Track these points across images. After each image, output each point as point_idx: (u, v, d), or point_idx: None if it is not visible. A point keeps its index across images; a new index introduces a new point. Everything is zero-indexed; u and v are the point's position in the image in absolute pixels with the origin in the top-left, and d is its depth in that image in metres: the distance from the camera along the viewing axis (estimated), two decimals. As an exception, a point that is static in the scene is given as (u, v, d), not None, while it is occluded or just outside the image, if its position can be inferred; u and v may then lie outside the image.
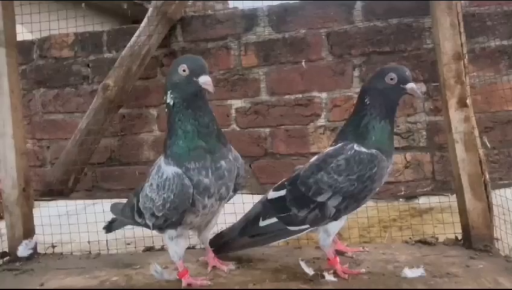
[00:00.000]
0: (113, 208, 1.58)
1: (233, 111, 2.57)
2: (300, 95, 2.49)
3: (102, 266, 1.55)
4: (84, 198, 2.50)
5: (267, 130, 2.55)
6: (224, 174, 1.23)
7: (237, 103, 2.55)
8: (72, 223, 1.83)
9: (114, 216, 1.59)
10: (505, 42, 2.28)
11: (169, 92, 1.22)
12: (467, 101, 1.46)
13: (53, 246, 1.79)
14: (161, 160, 1.26)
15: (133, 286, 1.35)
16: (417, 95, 1.30)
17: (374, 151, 1.26)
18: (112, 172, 2.72)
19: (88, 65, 2.81)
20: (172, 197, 1.19)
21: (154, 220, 1.28)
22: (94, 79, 2.81)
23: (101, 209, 1.76)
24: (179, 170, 1.20)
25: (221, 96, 2.56)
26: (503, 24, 2.27)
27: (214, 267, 1.42)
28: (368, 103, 1.29)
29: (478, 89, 2.25)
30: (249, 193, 1.94)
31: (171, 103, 1.22)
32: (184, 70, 1.19)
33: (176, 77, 1.20)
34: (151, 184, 1.26)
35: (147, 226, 1.36)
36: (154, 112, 2.71)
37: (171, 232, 1.31)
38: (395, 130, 2.32)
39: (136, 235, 1.73)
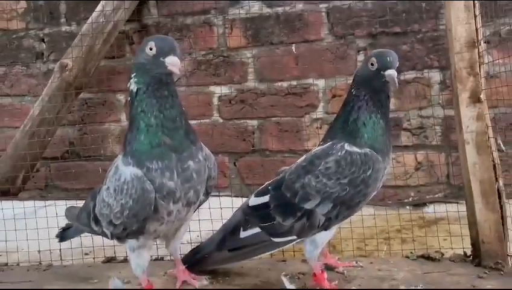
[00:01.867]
0: (68, 213, 1.64)
1: (215, 99, 2.63)
2: (295, 82, 2.56)
3: (53, 279, 1.62)
4: (36, 199, 2.55)
5: (255, 122, 2.62)
6: (192, 177, 1.29)
7: (221, 90, 2.61)
8: (20, 228, 1.89)
9: (68, 222, 1.65)
10: (536, 23, 2.35)
11: (133, 76, 1.26)
12: (481, 96, 1.53)
13: (-4, 256, 1.86)
14: (119, 159, 1.32)
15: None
16: (393, 84, 1.33)
17: (367, 150, 1.33)
18: (70, 168, 2.77)
19: (42, 40, 2.86)
20: (131, 203, 1.25)
21: (112, 229, 1.34)
22: (50, 57, 2.86)
23: (54, 212, 1.82)
24: (139, 172, 1.25)
25: (202, 81, 2.62)
26: (534, 2, 2.34)
27: (184, 282, 1.49)
28: (353, 93, 1.37)
29: (503, 79, 2.32)
30: (229, 196, 2.01)
31: (134, 90, 1.26)
32: (151, 49, 1.22)
33: (142, 57, 1.24)
34: (108, 187, 1.32)
35: (105, 235, 1.42)
36: (121, 98, 2.76)
37: (132, 242, 1.37)
38: (404, 124, 2.44)
39: (95, 243, 1.79)
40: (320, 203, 1.35)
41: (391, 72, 1.32)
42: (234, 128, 2.63)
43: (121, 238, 1.36)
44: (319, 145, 1.44)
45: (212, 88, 2.63)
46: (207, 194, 1.41)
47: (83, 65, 2.59)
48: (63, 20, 2.83)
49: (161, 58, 1.21)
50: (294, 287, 1.38)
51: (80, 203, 1.63)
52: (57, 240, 1.67)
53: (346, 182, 1.32)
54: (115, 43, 2.66)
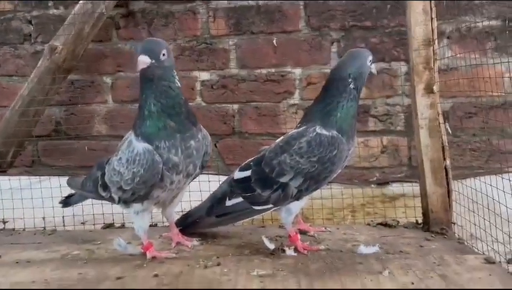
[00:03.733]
0: (71, 182, 1.93)
1: (198, 84, 2.93)
2: (273, 70, 2.87)
3: (60, 241, 1.91)
4: (24, 174, 2.81)
5: (236, 106, 2.92)
6: (193, 153, 1.63)
7: (204, 75, 2.91)
8: (19, 198, 2.17)
9: (72, 191, 1.94)
10: (492, 22, 2.70)
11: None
12: (434, 87, 1.88)
13: (4, 222, 2.14)
14: (131, 135, 1.63)
15: (96, 260, 1.71)
16: (375, 73, 1.78)
17: (335, 133, 1.66)
18: (57, 147, 3.02)
19: (30, 22, 3.08)
20: (142, 171, 1.57)
21: (121, 194, 1.65)
22: (37, 38, 3.08)
23: (49, 185, 2.09)
24: (150, 146, 1.57)
25: (186, 66, 2.91)
26: (491, 3, 2.70)
27: (178, 243, 1.81)
28: (352, 87, 1.68)
29: (463, 72, 2.67)
30: (215, 174, 2.33)
31: (140, 83, 1.60)
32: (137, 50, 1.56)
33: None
34: (120, 158, 1.63)
35: (111, 200, 1.73)
36: (108, 80, 3.02)
37: (137, 206, 1.68)
38: (372, 111, 2.79)
39: (95, 211, 2.09)
40: (293, 178, 1.67)
41: (374, 65, 1.76)
42: (216, 112, 2.94)
43: (127, 202, 1.67)
44: (296, 127, 1.77)
45: (195, 73, 2.92)
46: (202, 167, 1.73)
47: (72, 48, 2.82)
48: (51, 3, 3.05)
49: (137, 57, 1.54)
50: (273, 246, 1.70)
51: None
52: (60, 206, 1.96)
53: (315, 160, 1.65)
54: (102, 27, 2.90)
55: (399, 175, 2.76)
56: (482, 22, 2.68)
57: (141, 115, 1.60)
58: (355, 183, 2.65)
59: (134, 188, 1.60)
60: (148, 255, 1.68)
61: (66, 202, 1.95)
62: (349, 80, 1.69)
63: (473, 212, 1.85)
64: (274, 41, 2.83)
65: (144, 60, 1.51)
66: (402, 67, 2.77)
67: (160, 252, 1.72)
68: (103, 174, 1.71)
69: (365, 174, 2.81)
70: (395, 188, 2.53)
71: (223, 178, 1.89)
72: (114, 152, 1.70)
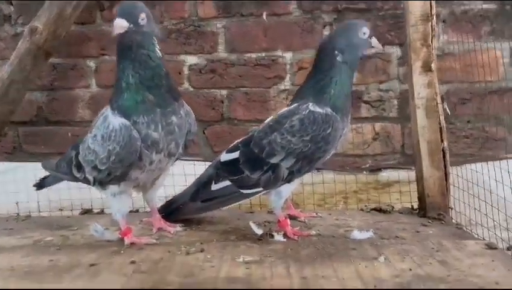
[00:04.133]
0: (46, 164, 1.80)
1: (186, 68, 2.78)
2: (263, 54, 2.73)
3: (34, 227, 1.78)
4: (5, 160, 2.66)
5: (224, 92, 2.78)
6: (174, 130, 1.49)
7: (191, 59, 2.76)
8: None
9: (47, 173, 1.80)
10: (487, 5, 2.59)
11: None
12: (432, 65, 1.76)
13: (-25, 208, 1.99)
14: (108, 110, 1.48)
15: (70, 246, 1.57)
16: (380, 48, 1.66)
17: (329, 110, 1.53)
18: (39, 133, 2.87)
19: (11, 3, 2.91)
20: (118, 149, 1.43)
21: (96, 174, 1.51)
22: (18, 20, 2.91)
23: (25, 171, 1.95)
24: (127, 122, 1.43)
25: (173, 50, 2.75)
26: (486, -15, 2.58)
27: (159, 229, 1.67)
28: (340, 60, 1.56)
29: (457, 56, 2.56)
30: (202, 160, 2.20)
31: (117, 50, 1.46)
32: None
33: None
34: (95, 135, 1.49)
35: (87, 182, 1.59)
36: (91, 63, 2.86)
37: (113, 188, 1.54)
38: (365, 97, 2.66)
39: (72, 197, 1.95)
40: (284, 158, 1.55)
41: (375, 39, 1.61)
42: (204, 97, 2.79)
43: (103, 183, 1.53)
44: (287, 106, 1.64)
45: (182, 57, 2.77)
46: (186, 148, 1.59)
47: (53, 29, 2.68)
48: (32, -17, 2.89)
49: (114, 21, 1.42)
50: (261, 231, 1.57)
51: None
52: (34, 189, 1.82)
53: (308, 139, 1.52)
54: (86, 9, 2.75)
55: (392, 162, 2.63)
56: (477, 5, 2.57)
57: (118, 87, 1.46)
58: (347, 170, 2.53)
59: (110, 168, 1.47)
60: (126, 241, 1.56)
61: (40, 184, 1.81)
62: (336, 52, 1.57)
63: (473, 196, 1.73)
64: (264, 16, 2.68)
65: (120, 24, 1.37)
66: (396, 52, 2.64)
67: (140, 238, 1.59)
68: (77, 154, 1.57)
69: (357, 162, 2.68)
70: (388, 174, 2.41)
71: (199, 164, 1.76)
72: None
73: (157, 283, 1.26)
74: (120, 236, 1.58)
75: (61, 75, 2.88)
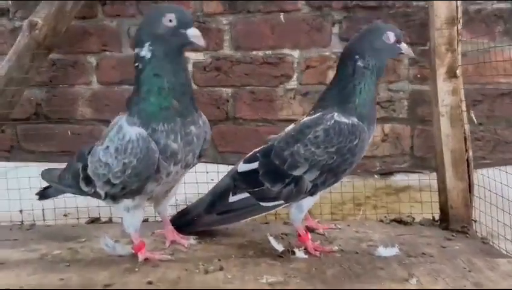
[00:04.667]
0: (46, 175, 1.66)
1: (190, 65, 2.65)
2: (270, 52, 2.62)
3: (39, 238, 1.65)
4: (3, 160, 2.54)
5: (230, 90, 2.67)
6: (193, 140, 1.38)
7: (196, 57, 2.64)
8: (-3, 188, 1.91)
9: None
10: (502, 5, 2.49)
11: (147, 44, 1.33)
12: (457, 71, 1.66)
13: (-25, 215, 1.86)
14: (123, 119, 1.37)
15: (80, 262, 1.46)
16: (412, 55, 1.54)
17: (355, 121, 1.43)
18: (37, 130, 2.75)
19: (9, -4, 2.78)
20: (135, 162, 1.31)
21: (109, 189, 1.39)
22: (16, 14, 2.78)
23: (27, 173, 1.83)
24: (144, 132, 1.31)
25: (177, 46, 2.63)
26: (501, -16, 2.49)
27: (173, 241, 1.56)
28: (362, 65, 1.45)
29: (469, 57, 2.47)
30: (204, 162, 2.08)
31: (148, 56, 1.33)
32: (171, 21, 1.31)
33: (160, 28, 1.32)
34: (107, 147, 1.37)
35: (96, 196, 1.47)
36: (92, 60, 2.74)
37: (127, 202, 1.43)
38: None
39: (78, 204, 1.83)
40: (308, 171, 1.44)
41: (406, 45, 1.50)
42: (208, 96, 2.68)
43: (116, 198, 1.41)
44: (308, 114, 1.53)
45: (186, 54, 2.64)
46: (199, 157, 1.48)
47: (53, 24, 2.55)
48: (31, -25, 2.75)
49: (182, 30, 1.31)
50: (282, 247, 1.47)
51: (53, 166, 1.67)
52: (37, 198, 1.70)
53: (333, 150, 1.42)
54: (87, 3, 2.62)
55: (402, 165, 2.54)
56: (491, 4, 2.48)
57: (144, 91, 1.34)
58: (356, 174, 2.43)
59: (125, 182, 1.35)
60: (140, 257, 1.44)
61: (44, 194, 1.68)
62: (356, 57, 1.46)
63: (490, 204, 1.64)
64: (281, 16, 2.56)
65: (200, 35, 1.33)
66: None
67: (153, 253, 1.48)
68: (85, 166, 1.45)
69: (366, 164, 2.59)
70: (399, 180, 2.31)
71: (211, 166, 1.65)
72: (99, 138, 1.45)
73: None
74: (133, 251, 1.47)
75: (61, 71, 2.76)
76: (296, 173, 1.44)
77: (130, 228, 1.46)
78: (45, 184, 1.71)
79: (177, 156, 1.35)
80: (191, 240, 1.58)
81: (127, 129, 1.34)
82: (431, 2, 1.68)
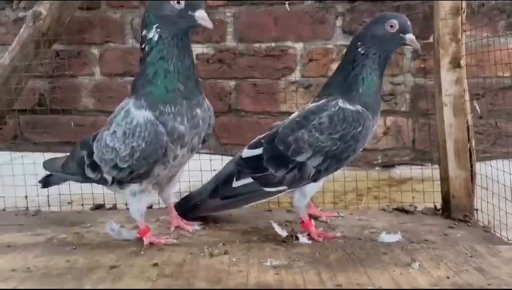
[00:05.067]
0: (49, 165, 1.67)
1: (193, 57, 2.66)
2: (273, 44, 2.63)
3: (45, 223, 1.67)
4: (5, 150, 2.54)
5: (232, 82, 2.68)
6: (199, 123, 1.39)
7: (199, 48, 2.65)
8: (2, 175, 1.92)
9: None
10: (505, -1, 2.51)
11: (154, 26, 1.33)
12: (461, 61, 1.67)
13: (-19, 201, 1.88)
14: (129, 103, 1.38)
15: (86, 245, 1.48)
16: (416, 46, 1.49)
17: (359, 108, 1.44)
18: (41, 121, 2.76)
19: (12, -14, 2.79)
20: (143, 145, 1.32)
21: (116, 173, 1.40)
22: (20, 4, 2.80)
23: (32, 161, 1.84)
24: (151, 116, 1.33)
25: (180, 38, 2.64)
26: (504, -22, 2.50)
27: (177, 227, 1.58)
28: (362, 52, 1.46)
29: (471, 50, 2.48)
30: (207, 153, 2.10)
31: (155, 38, 1.33)
32: (179, 3, 1.30)
33: (167, 9, 1.31)
34: (114, 132, 1.38)
35: (102, 182, 1.48)
36: (96, 51, 2.75)
37: (134, 187, 1.44)
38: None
39: (83, 191, 1.84)
40: (311, 156, 1.46)
41: (412, 36, 1.46)
42: (211, 88, 2.69)
43: (123, 183, 1.43)
44: (313, 101, 1.54)
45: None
46: (203, 142, 1.50)
47: (57, 15, 2.55)
48: (34, -33, 2.75)
49: (190, 12, 1.30)
50: (285, 233, 1.49)
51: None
52: (40, 186, 1.71)
53: (337, 137, 1.43)
54: (91, -7, 2.64)
55: (403, 158, 2.55)
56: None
57: (149, 73, 1.35)
58: (358, 166, 2.45)
59: (132, 166, 1.36)
60: (145, 241, 1.46)
61: (47, 181, 1.70)
62: (358, 43, 1.47)
63: (498, 195, 1.66)
64: (287, 5, 2.56)
65: (207, 17, 1.32)
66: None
67: (159, 237, 1.50)
68: (90, 153, 1.46)
69: (368, 156, 2.60)
70: (401, 172, 2.33)
71: (215, 157, 1.66)
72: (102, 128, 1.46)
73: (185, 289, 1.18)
74: (138, 235, 1.48)
75: (64, 62, 2.75)
76: (300, 158, 1.45)
77: (136, 213, 1.47)
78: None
79: (184, 138, 1.37)
80: (196, 226, 1.59)
81: (135, 113, 1.35)
82: (436, -8, 1.69)
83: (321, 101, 1.49)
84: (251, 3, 2.61)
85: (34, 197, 1.84)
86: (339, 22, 2.58)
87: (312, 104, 1.52)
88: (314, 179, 1.48)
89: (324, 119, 1.44)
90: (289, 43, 2.63)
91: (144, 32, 1.36)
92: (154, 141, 1.32)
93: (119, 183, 1.44)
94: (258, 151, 1.53)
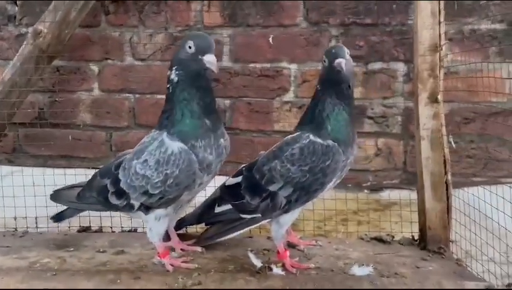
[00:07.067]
0: (59, 197, 1.72)
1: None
2: (268, 65, 2.68)
3: (31, 245, 1.73)
4: (4, 163, 2.62)
5: (227, 101, 2.73)
6: (222, 152, 1.54)
7: (195, 67, 2.70)
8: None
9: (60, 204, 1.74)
10: (496, 26, 2.53)
11: (174, 68, 1.48)
12: (438, 96, 1.71)
13: (-29, 222, 1.95)
14: (163, 135, 1.50)
15: (66, 271, 1.54)
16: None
17: (330, 142, 1.49)
18: (39, 134, 2.83)
19: (15, 2, 2.86)
20: (177, 172, 1.44)
21: (146, 199, 1.50)
22: (22, 21, 2.86)
23: (31, 178, 1.91)
24: (185, 146, 1.45)
25: (177, 57, 2.70)
26: (496, 5, 2.52)
27: (182, 250, 1.70)
28: (318, 88, 1.54)
29: (461, 75, 2.51)
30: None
31: (175, 80, 1.47)
32: (190, 47, 1.44)
33: (183, 54, 1.46)
34: (146, 160, 1.49)
35: (127, 208, 1.56)
36: (95, 67, 2.82)
37: (160, 211, 1.55)
38: (368, 112, 2.61)
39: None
40: (282, 187, 1.52)
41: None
42: (206, 106, 2.74)
43: (151, 208, 1.53)
44: (292, 132, 1.60)
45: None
46: None
47: (57, 32, 2.62)
48: (37, -16, 2.83)
49: (199, 56, 1.43)
50: (260, 264, 1.54)
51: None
52: (52, 221, 1.76)
53: (306, 169, 1.49)
54: (91, 12, 2.69)
55: (393, 181, 2.59)
56: (487, 24, 2.51)
57: (177, 114, 1.48)
58: (348, 188, 2.49)
59: (164, 192, 1.47)
60: (166, 263, 1.58)
61: (60, 217, 1.74)
62: (318, 81, 1.57)
63: (469, 222, 1.70)
64: (270, 39, 2.63)
65: (215, 61, 1.46)
66: (401, 68, 2.59)
67: (177, 259, 1.62)
68: (115, 181, 1.55)
69: (358, 177, 2.64)
70: (389, 195, 2.36)
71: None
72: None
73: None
74: (158, 258, 1.59)
75: (64, 77, 2.83)
76: (272, 188, 1.52)
77: (155, 237, 1.58)
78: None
79: (211, 167, 1.50)
80: (198, 249, 1.70)
81: (169, 143, 1.47)
82: (416, 29, 1.72)
83: (297, 133, 1.54)
84: (247, 25, 2.66)
85: (23, 217, 1.90)
86: (332, 45, 2.62)
87: (289, 136, 1.57)
88: (286, 210, 1.53)
89: (296, 151, 1.50)
90: (284, 64, 2.67)
91: (168, 73, 1.51)
92: (187, 167, 1.44)
93: (147, 208, 1.54)
94: (239, 179, 1.61)
